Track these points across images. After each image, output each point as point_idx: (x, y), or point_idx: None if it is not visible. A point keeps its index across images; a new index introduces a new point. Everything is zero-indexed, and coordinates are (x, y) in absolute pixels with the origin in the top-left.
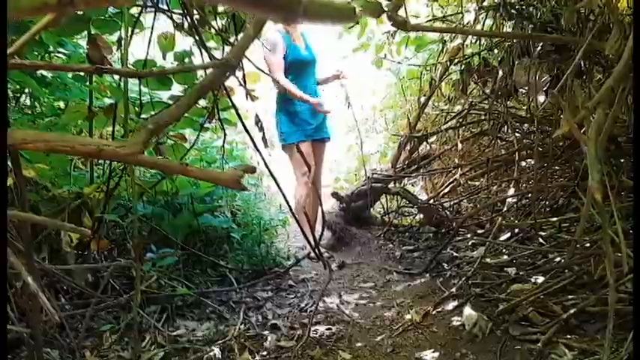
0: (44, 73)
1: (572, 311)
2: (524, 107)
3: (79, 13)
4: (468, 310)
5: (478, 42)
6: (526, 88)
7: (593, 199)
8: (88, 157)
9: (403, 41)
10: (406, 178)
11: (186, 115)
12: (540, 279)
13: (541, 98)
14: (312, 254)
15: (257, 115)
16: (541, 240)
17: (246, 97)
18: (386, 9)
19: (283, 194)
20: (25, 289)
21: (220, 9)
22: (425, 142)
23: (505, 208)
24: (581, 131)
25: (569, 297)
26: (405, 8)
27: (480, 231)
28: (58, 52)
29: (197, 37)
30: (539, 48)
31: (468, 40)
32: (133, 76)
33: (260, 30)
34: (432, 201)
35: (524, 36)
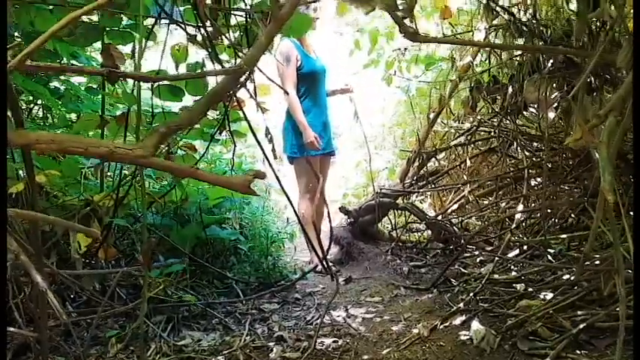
0: (57, 85)
1: (581, 326)
2: (534, 124)
3: (93, 22)
4: (475, 325)
5: (488, 60)
6: (536, 105)
7: (603, 215)
8: (100, 158)
9: (413, 59)
10: (414, 195)
11: (196, 125)
12: (549, 295)
13: (551, 115)
14: (319, 268)
15: (267, 128)
16: (550, 257)
17: (257, 109)
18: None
19: (292, 206)
20: (33, 292)
21: (233, 22)
22: (434, 158)
23: (514, 225)
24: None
25: (579, 312)
26: (415, 22)
27: (488, 248)
28: (72, 65)
29: (210, 50)
30: (550, 64)
31: (477, 59)
32: (145, 80)
33: (273, 38)
34: (440, 217)
35: (535, 49)
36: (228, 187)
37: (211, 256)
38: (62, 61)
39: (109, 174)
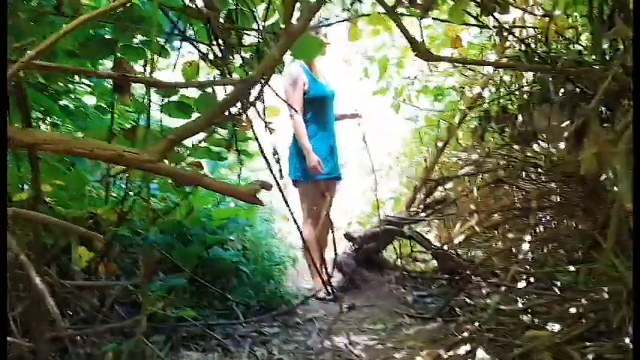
0: (67, 103)
1: (590, 357)
2: (543, 154)
3: (106, 37)
4: (481, 354)
5: (497, 90)
6: (546, 134)
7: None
8: (107, 161)
9: (422, 90)
10: (421, 225)
11: (204, 144)
12: (556, 327)
13: (561, 145)
14: (321, 293)
15: (275, 148)
16: (557, 289)
17: (265, 130)
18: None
19: (297, 226)
20: (30, 302)
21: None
22: (441, 187)
23: (521, 256)
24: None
25: (587, 344)
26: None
27: (494, 280)
28: (82, 83)
29: (222, 68)
30: (561, 93)
31: (486, 91)
32: (156, 86)
33: (284, 52)
34: (446, 247)
35: (545, 69)
36: (235, 195)
37: (212, 277)
38: (73, 79)
39: (114, 193)
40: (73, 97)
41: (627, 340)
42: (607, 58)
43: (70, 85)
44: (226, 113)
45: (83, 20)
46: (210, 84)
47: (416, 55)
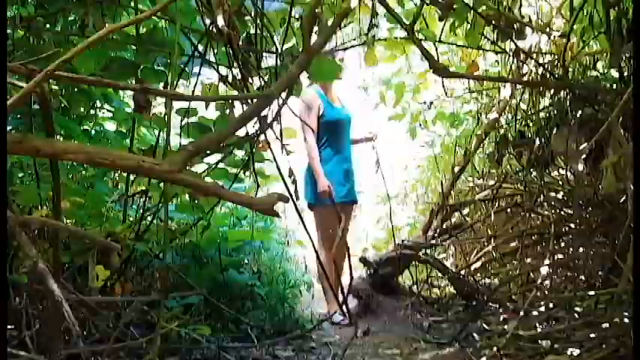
0: (88, 127)
1: None
2: (561, 178)
3: (127, 58)
4: None
5: (514, 116)
6: (564, 157)
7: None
8: (127, 171)
9: (439, 116)
10: (437, 250)
11: (221, 165)
12: (576, 351)
13: (580, 167)
14: (336, 318)
15: (291, 169)
16: (576, 315)
17: (282, 151)
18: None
19: (314, 247)
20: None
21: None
22: (457, 212)
23: (539, 281)
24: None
25: None
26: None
27: (512, 305)
28: (103, 109)
29: (241, 91)
30: (579, 115)
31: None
32: (177, 99)
33: (303, 69)
34: (463, 272)
35: (563, 85)
36: (252, 206)
37: (227, 300)
38: (95, 104)
39: (130, 216)
40: (94, 122)
41: None
42: (625, 73)
43: (92, 111)
44: (244, 134)
45: (106, 32)
46: (228, 98)
47: (433, 72)
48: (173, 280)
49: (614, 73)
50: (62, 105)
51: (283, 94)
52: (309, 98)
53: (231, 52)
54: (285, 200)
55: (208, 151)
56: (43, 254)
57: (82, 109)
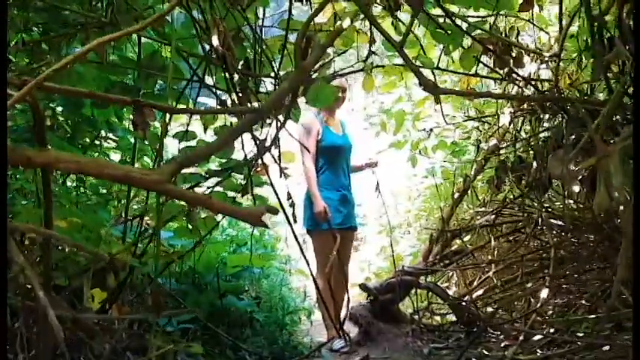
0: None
1: None
2: (559, 203)
3: (128, 83)
4: None
5: (514, 143)
6: (560, 179)
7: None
8: (117, 181)
9: (439, 145)
10: (439, 279)
11: (219, 189)
12: None
13: (576, 188)
14: (336, 345)
15: (289, 193)
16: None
17: (280, 175)
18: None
19: (313, 278)
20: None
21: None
22: (458, 238)
23: (539, 305)
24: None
25: None
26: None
27: (512, 331)
28: (108, 139)
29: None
30: (574, 138)
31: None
32: (173, 112)
33: (294, 86)
34: (464, 298)
35: (549, 99)
36: (240, 217)
37: (226, 326)
38: (99, 133)
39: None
40: (99, 152)
41: None
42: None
43: (97, 141)
44: (242, 158)
45: (95, 45)
46: (220, 112)
47: (423, 90)
48: (169, 304)
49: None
50: (67, 135)
51: (281, 118)
52: (308, 122)
53: (227, 74)
54: (274, 212)
55: (208, 175)
56: (34, 267)
57: (86, 140)
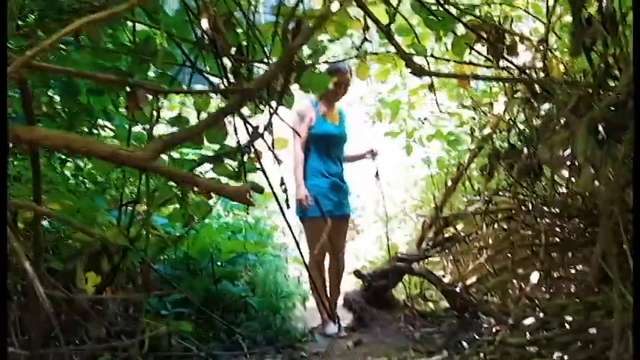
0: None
1: None
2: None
3: (122, 69)
4: None
5: (507, 131)
6: (550, 165)
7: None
8: (103, 159)
9: (435, 135)
10: (433, 266)
11: (213, 175)
12: (566, 357)
13: (565, 173)
14: (329, 330)
15: (282, 178)
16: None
17: (273, 161)
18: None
19: (303, 260)
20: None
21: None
22: (451, 226)
23: (528, 288)
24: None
25: None
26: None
27: (502, 314)
28: (106, 127)
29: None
30: (563, 122)
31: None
32: (161, 92)
33: (282, 67)
34: (456, 284)
35: (541, 82)
36: (225, 194)
37: (221, 311)
38: (96, 122)
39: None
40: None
41: None
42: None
43: (94, 130)
44: (235, 144)
45: (90, 21)
46: (209, 92)
47: (411, 72)
48: (163, 289)
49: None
50: (64, 124)
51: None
52: (302, 109)
53: (219, 59)
54: (259, 190)
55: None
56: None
57: (84, 128)
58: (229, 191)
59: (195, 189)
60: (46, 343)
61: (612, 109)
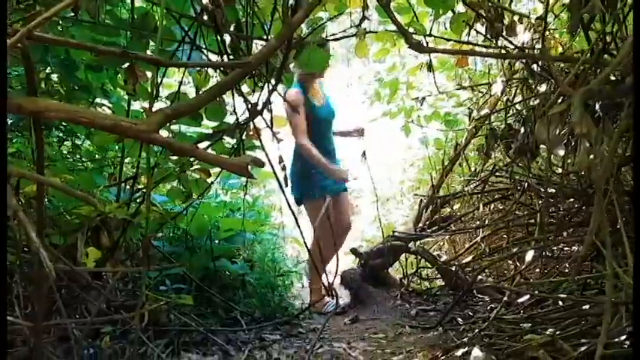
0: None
1: (583, 349)
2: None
3: (121, 44)
4: (476, 352)
5: (505, 111)
6: (546, 144)
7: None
8: (105, 130)
9: (433, 115)
10: (429, 244)
11: (211, 151)
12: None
13: (561, 152)
14: (327, 307)
15: (280, 157)
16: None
17: (272, 139)
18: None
19: (303, 238)
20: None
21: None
22: (447, 205)
23: (523, 267)
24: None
25: (583, 341)
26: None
27: (497, 291)
28: (104, 105)
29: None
30: (560, 101)
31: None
32: (163, 65)
33: (283, 41)
34: (452, 263)
35: (538, 57)
36: (225, 166)
37: (219, 289)
38: (94, 99)
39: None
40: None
41: (622, 338)
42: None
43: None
44: (234, 122)
45: None
46: (209, 66)
47: (409, 47)
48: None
49: None
50: (62, 101)
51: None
52: (294, 99)
53: (218, 35)
54: (260, 164)
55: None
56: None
57: (82, 105)
58: (229, 164)
59: (196, 165)
60: (48, 316)
61: (608, 85)
